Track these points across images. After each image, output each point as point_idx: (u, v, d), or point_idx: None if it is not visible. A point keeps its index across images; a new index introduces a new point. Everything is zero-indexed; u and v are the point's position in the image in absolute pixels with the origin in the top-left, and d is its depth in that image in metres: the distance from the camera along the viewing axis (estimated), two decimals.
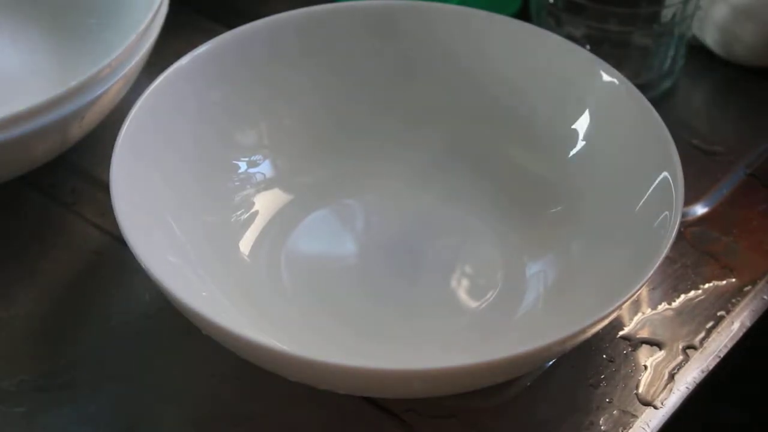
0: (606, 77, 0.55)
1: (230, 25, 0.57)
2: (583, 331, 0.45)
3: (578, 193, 0.55)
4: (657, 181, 0.51)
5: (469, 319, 0.52)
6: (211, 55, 0.55)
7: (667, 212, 0.49)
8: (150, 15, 0.57)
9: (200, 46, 0.55)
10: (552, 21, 0.64)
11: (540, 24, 0.64)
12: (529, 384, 0.50)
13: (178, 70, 0.54)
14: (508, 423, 0.49)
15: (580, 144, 0.55)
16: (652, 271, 0.46)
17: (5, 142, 0.52)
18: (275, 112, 0.57)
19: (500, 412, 0.49)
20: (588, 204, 0.54)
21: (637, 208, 0.51)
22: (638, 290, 0.46)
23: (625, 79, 0.54)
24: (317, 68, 0.58)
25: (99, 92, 0.54)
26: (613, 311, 0.45)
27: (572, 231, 0.54)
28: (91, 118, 0.56)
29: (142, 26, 0.57)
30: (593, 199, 0.54)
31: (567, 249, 0.53)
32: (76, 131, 0.56)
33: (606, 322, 0.46)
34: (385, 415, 0.49)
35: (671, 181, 0.50)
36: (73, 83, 0.53)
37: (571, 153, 0.56)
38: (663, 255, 0.47)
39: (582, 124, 0.56)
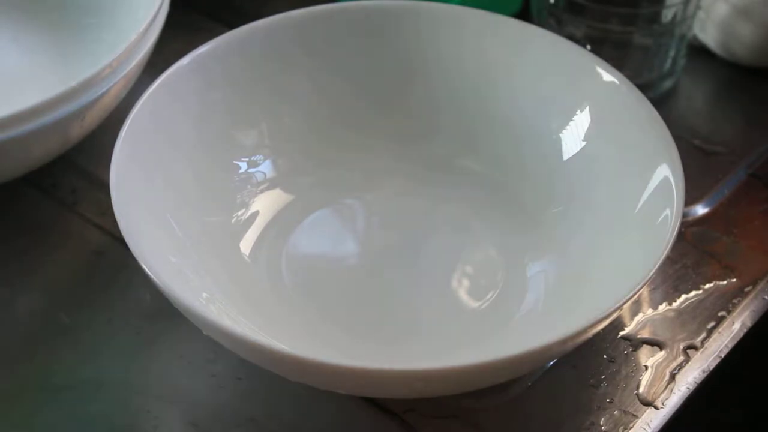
0: (606, 77, 0.55)
1: (230, 25, 0.57)
2: (584, 331, 0.45)
3: (578, 194, 0.54)
4: (658, 181, 0.50)
5: (469, 319, 0.52)
6: (211, 55, 0.55)
7: (667, 212, 0.49)
8: (150, 15, 0.57)
9: (200, 46, 0.55)
10: (553, 21, 0.64)
11: (541, 24, 0.64)
12: (529, 384, 0.50)
13: (179, 70, 0.54)
14: (508, 423, 0.49)
15: (581, 144, 0.55)
16: (652, 272, 0.46)
17: (5, 142, 0.52)
18: (275, 112, 0.57)
19: (501, 412, 0.49)
20: (588, 204, 0.54)
21: (638, 208, 0.51)
22: (639, 290, 0.46)
23: (625, 79, 0.54)
24: (317, 68, 0.58)
25: (100, 92, 0.54)
26: (613, 311, 0.45)
27: (573, 231, 0.54)
28: (92, 118, 0.56)
29: (143, 26, 0.56)
30: (593, 199, 0.54)
31: (568, 249, 0.53)
32: (77, 131, 0.56)
33: (607, 322, 0.46)
34: (385, 415, 0.49)
35: (672, 181, 0.50)
36: (73, 83, 0.53)
37: (572, 153, 0.56)
38: (664, 255, 0.47)
39: (582, 124, 0.55)
